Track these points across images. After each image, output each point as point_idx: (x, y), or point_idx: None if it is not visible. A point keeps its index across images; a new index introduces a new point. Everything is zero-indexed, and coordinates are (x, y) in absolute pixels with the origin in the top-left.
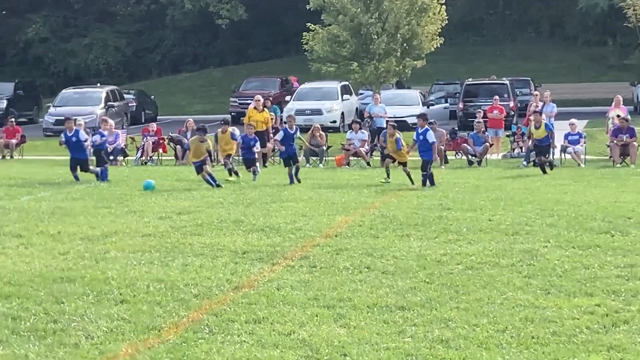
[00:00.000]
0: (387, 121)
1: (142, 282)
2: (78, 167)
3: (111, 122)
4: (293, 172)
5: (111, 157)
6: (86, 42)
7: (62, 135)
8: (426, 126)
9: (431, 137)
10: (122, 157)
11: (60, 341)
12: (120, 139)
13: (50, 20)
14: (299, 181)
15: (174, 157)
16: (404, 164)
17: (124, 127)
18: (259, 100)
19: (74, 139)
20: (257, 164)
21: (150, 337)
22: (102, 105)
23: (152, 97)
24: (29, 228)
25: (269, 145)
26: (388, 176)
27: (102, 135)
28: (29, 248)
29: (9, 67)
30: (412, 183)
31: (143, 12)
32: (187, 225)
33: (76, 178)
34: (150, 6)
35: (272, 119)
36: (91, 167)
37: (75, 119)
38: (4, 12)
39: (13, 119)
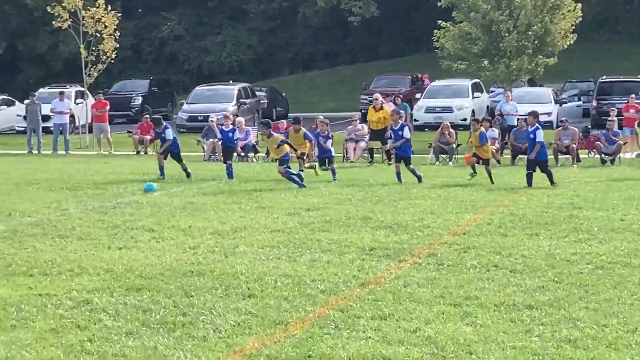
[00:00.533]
0: (517, 118)
1: (269, 277)
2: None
3: (241, 119)
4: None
5: (242, 154)
6: (219, 40)
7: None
8: (536, 124)
9: (539, 135)
10: (252, 154)
11: (188, 334)
12: (251, 135)
13: (185, 19)
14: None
15: None
16: (486, 162)
17: (255, 124)
18: (377, 99)
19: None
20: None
21: (277, 332)
22: (234, 102)
23: (284, 94)
24: (161, 222)
25: (390, 144)
26: (474, 172)
27: (222, 132)
28: (160, 242)
29: (145, 64)
30: (492, 182)
31: (275, 10)
32: (315, 221)
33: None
34: (283, 4)
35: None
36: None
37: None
38: (140, 10)
39: (148, 116)
